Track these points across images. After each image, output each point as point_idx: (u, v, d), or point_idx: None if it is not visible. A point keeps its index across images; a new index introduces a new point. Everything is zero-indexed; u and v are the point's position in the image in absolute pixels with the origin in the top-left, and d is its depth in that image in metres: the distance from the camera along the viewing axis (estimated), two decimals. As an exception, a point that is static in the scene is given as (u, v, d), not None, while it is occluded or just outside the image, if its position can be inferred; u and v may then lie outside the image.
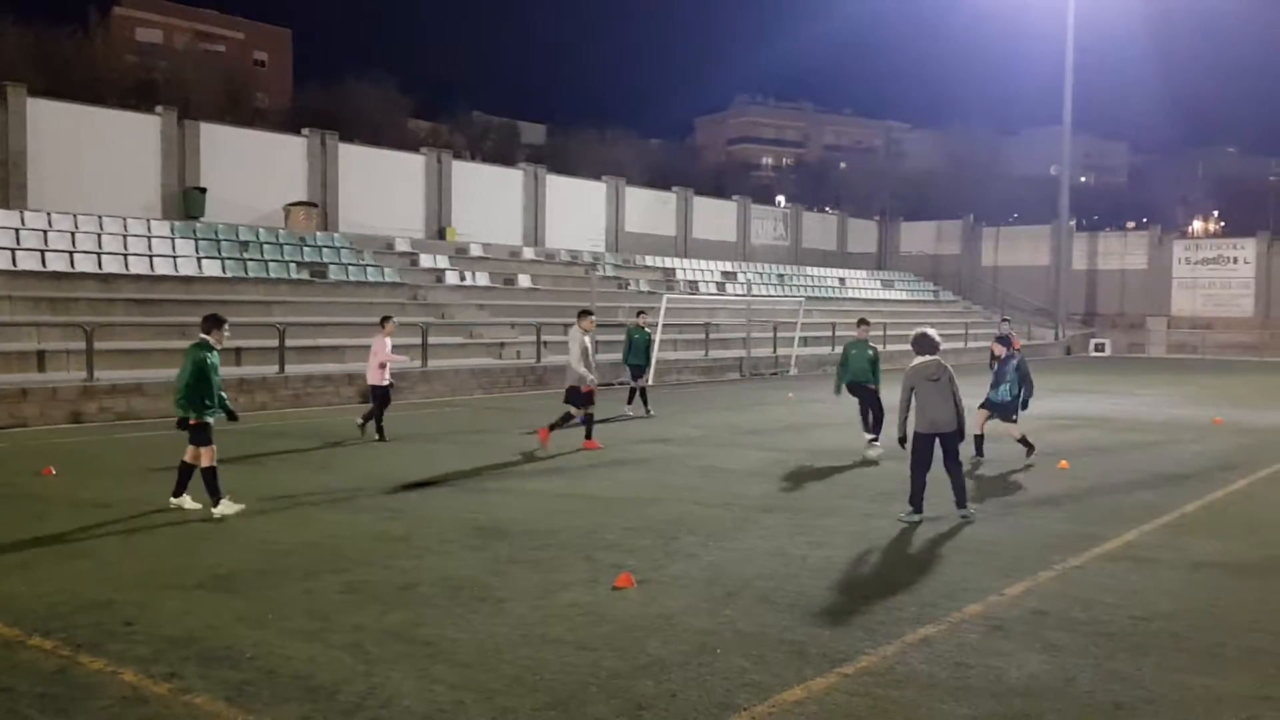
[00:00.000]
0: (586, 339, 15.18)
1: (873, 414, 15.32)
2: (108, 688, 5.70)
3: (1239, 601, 7.64)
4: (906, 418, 10.38)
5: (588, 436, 15.20)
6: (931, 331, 10.57)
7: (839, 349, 17.05)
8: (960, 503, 10.39)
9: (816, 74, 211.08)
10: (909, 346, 10.70)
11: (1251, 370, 39.22)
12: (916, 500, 10.31)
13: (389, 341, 15.97)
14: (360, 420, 16.05)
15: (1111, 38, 74.89)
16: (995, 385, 14.46)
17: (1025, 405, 14.59)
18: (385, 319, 16.42)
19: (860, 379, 15.55)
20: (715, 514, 10.52)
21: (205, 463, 10.13)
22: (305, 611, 7.05)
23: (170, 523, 9.78)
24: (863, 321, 16.61)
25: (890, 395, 12.41)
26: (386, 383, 15.96)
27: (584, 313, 15.51)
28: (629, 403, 20.03)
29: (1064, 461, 14.22)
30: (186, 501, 10.35)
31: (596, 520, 10.10)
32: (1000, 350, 14.79)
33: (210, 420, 10.17)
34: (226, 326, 10.56)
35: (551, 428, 14.98)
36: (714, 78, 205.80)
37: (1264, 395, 27.07)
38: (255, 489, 11.49)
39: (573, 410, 15.07)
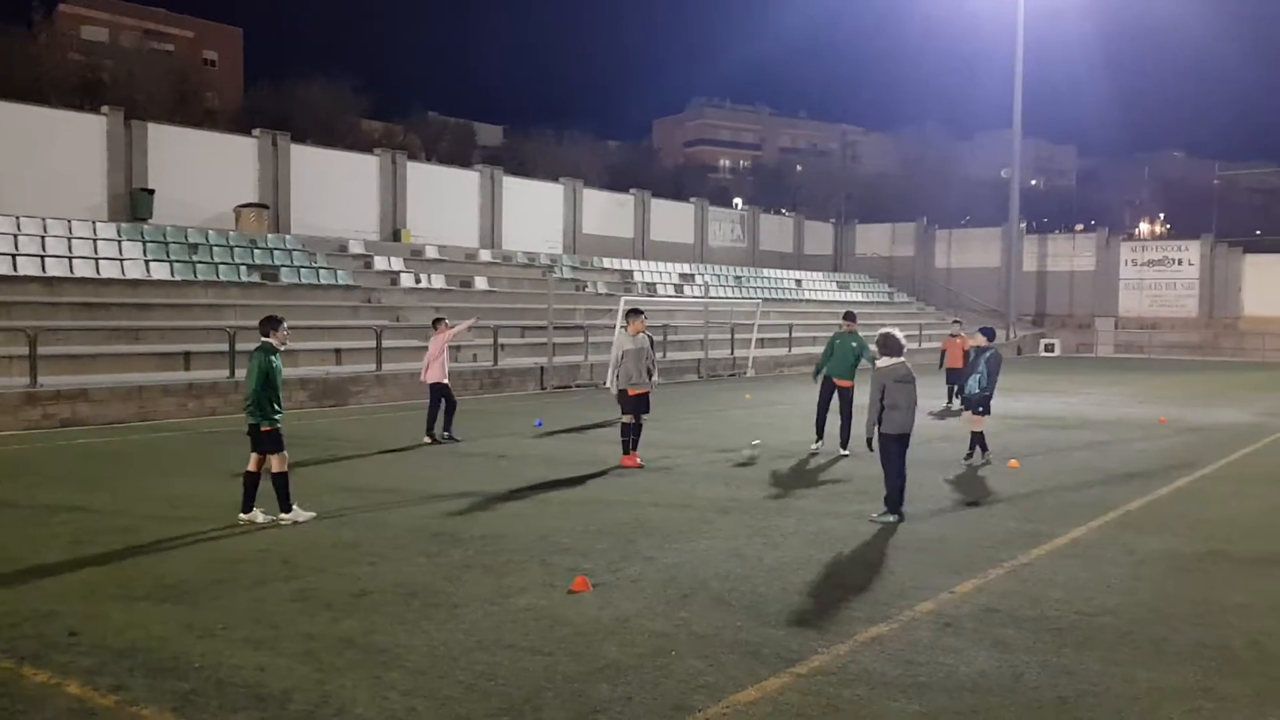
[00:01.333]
0: (631, 341, 14.09)
1: (842, 421, 14.94)
2: (52, 700, 5.60)
3: (1182, 597, 7.80)
4: (878, 420, 10.40)
5: (624, 450, 13.94)
6: (898, 332, 10.66)
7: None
8: (896, 507, 10.48)
9: (773, 77, 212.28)
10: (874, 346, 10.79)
11: (1196, 369, 40.00)
12: (894, 503, 10.42)
13: (443, 339, 16.27)
14: (445, 433, 16.08)
15: (1061, 44, 76.24)
16: (966, 378, 14.59)
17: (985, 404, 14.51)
18: (439, 320, 16.69)
19: (841, 375, 15.17)
20: (672, 516, 10.54)
21: (277, 469, 10.03)
22: (255, 620, 6.97)
23: (115, 531, 9.62)
24: (849, 315, 15.70)
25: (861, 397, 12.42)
26: (445, 381, 16.13)
27: (631, 312, 14.58)
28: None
29: (1014, 461, 14.42)
30: (258, 516, 10.08)
31: (552, 524, 10.08)
32: (981, 341, 14.61)
33: (280, 426, 10.07)
34: (285, 325, 10.47)
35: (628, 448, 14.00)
36: (671, 80, 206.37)
37: (1207, 394, 27.62)
38: (203, 498, 11.35)
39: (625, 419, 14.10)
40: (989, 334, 14.66)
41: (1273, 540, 9.83)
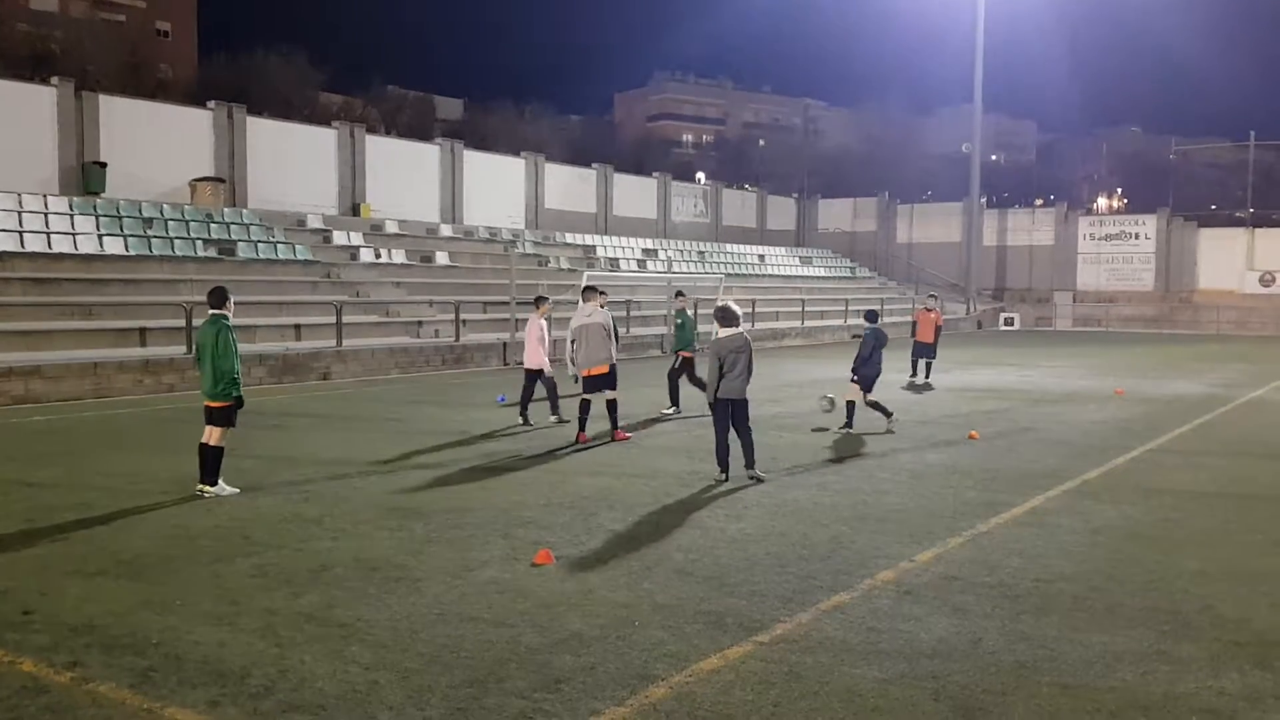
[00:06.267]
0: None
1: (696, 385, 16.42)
2: (6, 678, 5.51)
3: (1136, 563, 7.92)
4: (718, 386, 10.87)
5: (581, 427, 13.81)
6: (734, 305, 11.16)
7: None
8: (749, 464, 11.00)
9: (736, 51, 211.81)
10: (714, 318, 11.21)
11: (1152, 342, 40.56)
12: (720, 459, 10.99)
13: (542, 323, 15.38)
14: (552, 416, 15.37)
15: (1021, 20, 76.56)
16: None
17: None
18: (540, 299, 15.74)
19: (687, 347, 17.36)
20: (634, 488, 10.55)
21: (216, 442, 10.02)
22: (214, 596, 6.90)
23: (70, 508, 9.48)
24: (680, 294, 18.47)
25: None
26: (542, 366, 15.20)
27: (593, 288, 14.61)
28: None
29: (974, 432, 14.56)
30: (224, 488, 10.09)
31: (515, 498, 10.05)
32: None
33: (241, 397, 10.20)
34: (233, 297, 10.49)
35: (618, 426, 13.95)
36: (633, 54, 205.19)
37: (1163, 366, 28.03)
38: (160, 474, 11.22)
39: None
40: None
41: (1225, 508, 10.01)
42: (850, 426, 14.80)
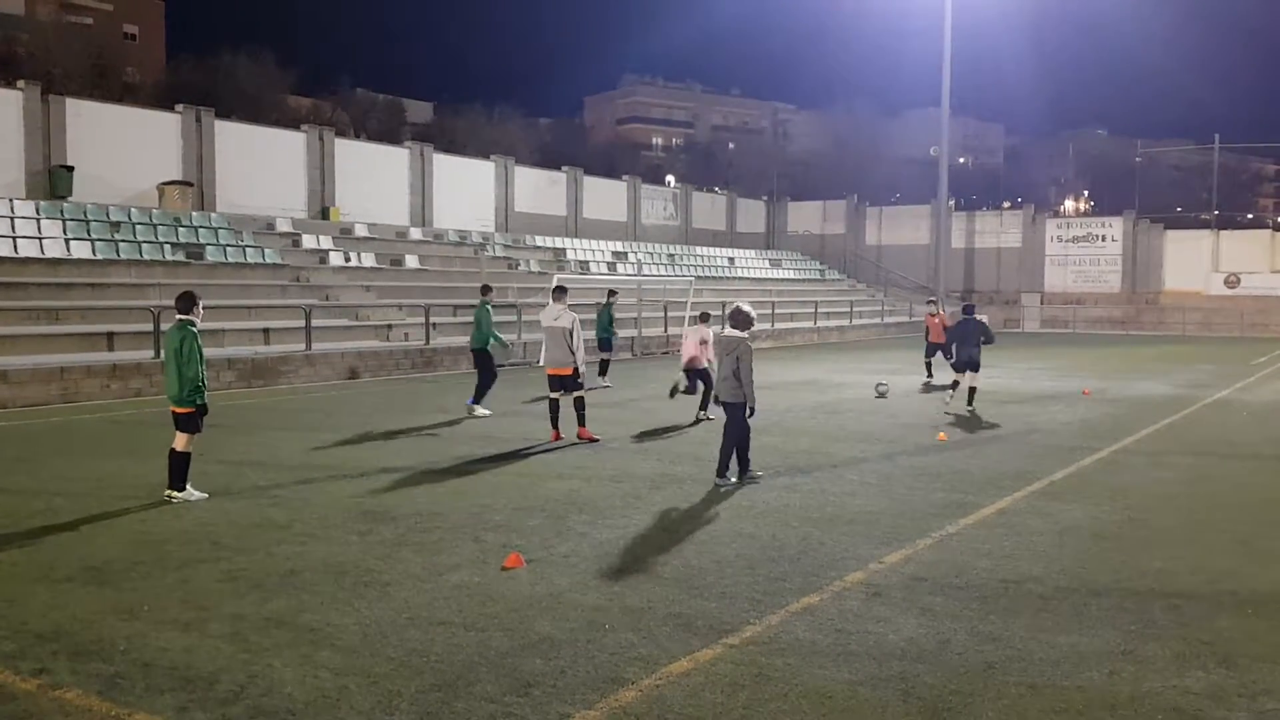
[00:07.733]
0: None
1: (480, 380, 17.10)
2: (-31, 687, 5.45)
3: (1103, 564, 8.01)
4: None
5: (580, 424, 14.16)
6: (745, 307, 11.21)
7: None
8: (719, 471, 11.01)
9: (705, 55, 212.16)
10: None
11: (1119, 343, 40.99)
12: (721, 467, 11.10)
13: (704, 330, 16.32)
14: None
15: (989, 23, 77.29)
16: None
17: None
18: (704, 315, 17.06)
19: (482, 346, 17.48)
20: (605, 491, 10.56)
21: (183, 448, 9.96)
22: (181, 602, 6.85)
23: (36, 513, 9.37)
24: (487, 288, 18.56)
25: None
26: (696, 364, 16.10)
27: (563, 288, 14.64)
28: (602, 374, 21.61)
29: (942, 434, 14.68)
30: (193, 493, 10.03)
31: (484, 501, 10.04)
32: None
33: (206, 404, 10.14)
34: (201, 301, 10.39)
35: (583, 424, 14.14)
36: (603, 57, 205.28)
37: (1129, 367, 28.34)
38: (128, 479, 11.11)
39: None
40: None
41: (1190, 508, 10.14)
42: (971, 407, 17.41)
